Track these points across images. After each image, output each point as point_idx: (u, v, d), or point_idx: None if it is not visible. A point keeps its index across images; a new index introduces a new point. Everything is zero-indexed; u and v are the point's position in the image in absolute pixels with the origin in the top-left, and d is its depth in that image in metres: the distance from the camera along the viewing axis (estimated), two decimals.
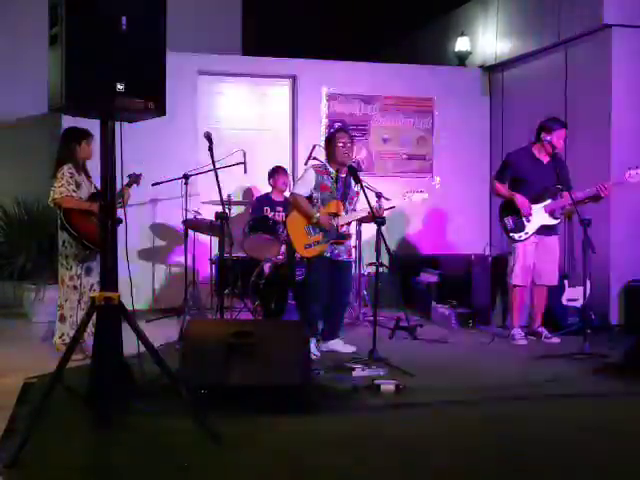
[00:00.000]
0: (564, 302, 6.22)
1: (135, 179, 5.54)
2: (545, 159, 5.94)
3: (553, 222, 5.91)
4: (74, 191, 5.18)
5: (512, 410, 4.04)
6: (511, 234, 5.93)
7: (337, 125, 7.83)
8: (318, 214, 5.36)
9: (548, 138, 5.82)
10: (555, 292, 6.20)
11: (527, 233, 5.88)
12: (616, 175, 5.99)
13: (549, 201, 5.86)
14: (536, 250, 5.95)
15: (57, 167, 5.22)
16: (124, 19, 3.39)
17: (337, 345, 5.53)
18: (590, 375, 4.85)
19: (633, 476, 3.14)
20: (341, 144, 5.44)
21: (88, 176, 5.34)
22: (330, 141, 5.54)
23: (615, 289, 6.62)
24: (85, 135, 5.28)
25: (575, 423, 3.84)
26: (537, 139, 5.95)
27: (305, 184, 5.49)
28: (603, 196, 5.63)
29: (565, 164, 6.09)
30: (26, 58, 7.92)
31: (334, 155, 5.48)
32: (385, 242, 5.08)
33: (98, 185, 4.01)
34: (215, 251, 6.76)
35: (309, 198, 5.47)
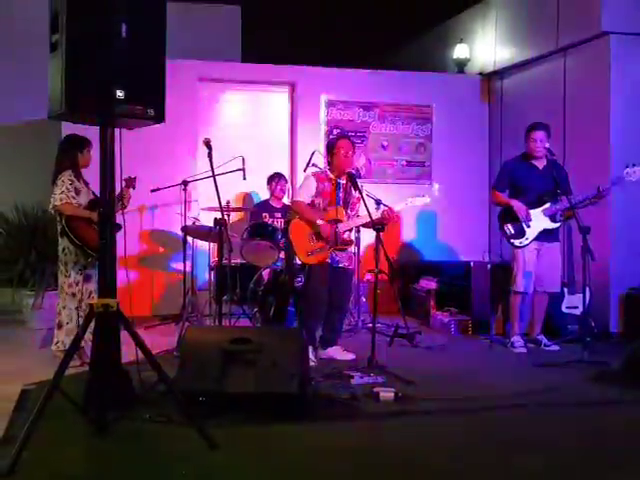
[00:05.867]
0: (564, 310, 6.20)
1: (130, 183, 5.52)
2: (540, 164, 5.96)
3: (553, 226, 5.91)
4: (74, 198, 5.19)
5: (512, 418, 4.03)
6: (512, 240, 5.92)
7: (337, 132, 7.84)
8: (321, 221, 5.35)
9: (527, 144, 5.92)
10: (555, 300, 6.19)
11: (528, 238, 5.87)
12: (615, 174, 6.00)
13: (548, 205, 5.87)
14: (537, 257, 5.95)
15: (57, 174, 5.23)
16: (124, 26, 3.40)
17: (336, 352, 5.52)
18: (590, 383, 4.84)
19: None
20: (343, 151, 5.44)
21: (86, 183, 5.35)
22: (332, 148, 5.54)
23: (615, 297, 6.60)
24: (86, 143, 5.30)
25: (574, 431, 3.83)
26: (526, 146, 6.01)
27: (306, 191, 5.49)
28: (603, 195, 5.64)
29: (563, 169, 6.09)
30: (25, 64, 7.93)
31: (335, 162, 5.48)
32: (384, 249, 5.07)
33: (96, 192, 4.01)
34: (214, 257, 6.75)
35: (311, 205, 5.47)
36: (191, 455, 3.31)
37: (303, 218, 5.44)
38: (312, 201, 5.47)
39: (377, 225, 5.09)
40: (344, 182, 5.49)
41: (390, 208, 5.40)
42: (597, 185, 5.64)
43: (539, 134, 5.89)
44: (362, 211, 5.46)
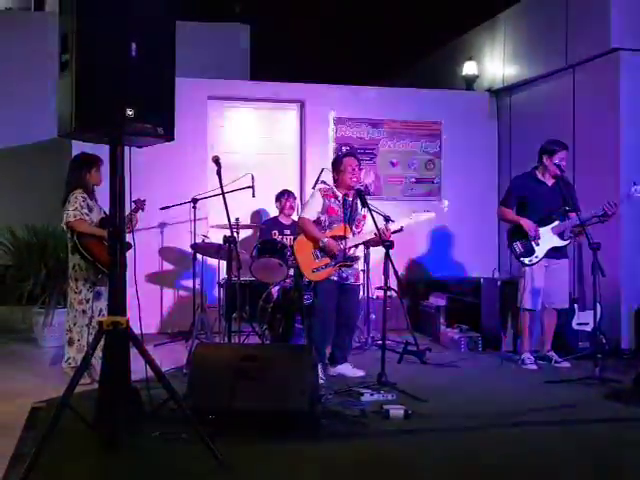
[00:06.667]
0: (574, 326, 6.16)
1: (140, 205, 5.55)
2: (549, 181, 5.95)
3: (562, 244, 5.89)
4: (87, 215, 5.22)
5: (523, 436, 4.00)
6: (521, 258, 5.90)
7: (345, 149, 7.86)
8: (325, 239, 5.36)
9: (549, 162, 5.85)
10: (565, 316, 6.16)
11: (537, 257, 5.85)
12: (622, 191, 5.98)
13: (557, 222, 5.85)
14: (546, 273, 5.92)
15: (68, 192, 5.25)
16: (134, 45, 3.42)
17: (346, 369, 5.50)
18: (601, 400, 4.79)
19: None
20: (349, 168, 5.46)
21: (96, 200, 5.37)
22: (338, 165, 5.56)
23: (626, 313, 6.56)
24: (96, 161, 5.33)
25: (586, 449, 3.79)
26: (539, 162, 5.96)
27: (312, 208, 5.51)
28: (611, 214, 5.60)
29: (571, 185, 6.09)
30: (33, 85, 8.01)
31: (342, 179, 5.50)
32: (393, 265, 5.06)
33: (107, 210, 4.03)
34: (223, 275, 6.75)
35: (317, 221, 5.48)
36: (200, 473, 3.30)
37: (307, 235, 5.45)
38: (318, 217, 5.48)
39: (386, 242, 5.09)
40: (350, 199, 5.50)
41: (386, 227, 5.40)
42: (605, 203, 5.61)
43: (564, 154, 5.86)
44: (368, 228, 5.47)
